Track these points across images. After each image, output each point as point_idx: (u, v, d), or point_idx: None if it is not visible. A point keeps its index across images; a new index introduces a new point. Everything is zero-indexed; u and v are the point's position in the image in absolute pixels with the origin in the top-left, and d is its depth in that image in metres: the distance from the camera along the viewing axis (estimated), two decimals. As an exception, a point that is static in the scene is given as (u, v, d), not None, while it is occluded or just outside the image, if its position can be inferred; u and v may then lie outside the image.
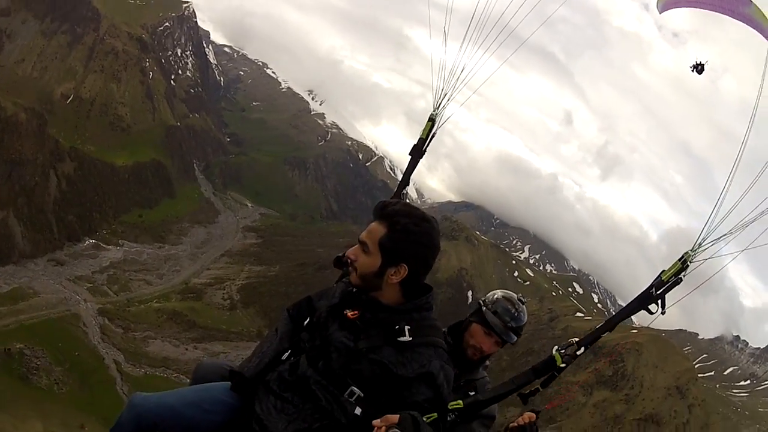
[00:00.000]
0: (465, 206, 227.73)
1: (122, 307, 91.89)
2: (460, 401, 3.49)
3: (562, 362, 3.70)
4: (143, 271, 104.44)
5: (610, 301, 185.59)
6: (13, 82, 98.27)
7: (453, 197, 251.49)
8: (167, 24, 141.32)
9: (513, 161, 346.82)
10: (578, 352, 3.73)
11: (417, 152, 4.53)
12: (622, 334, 78.07)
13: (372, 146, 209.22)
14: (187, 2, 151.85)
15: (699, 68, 7.71)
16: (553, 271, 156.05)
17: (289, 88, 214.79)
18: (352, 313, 2.90)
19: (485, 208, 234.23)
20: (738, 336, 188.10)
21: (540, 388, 3.91)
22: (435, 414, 2.80)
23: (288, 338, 3.26)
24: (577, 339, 3.82)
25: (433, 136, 4.54)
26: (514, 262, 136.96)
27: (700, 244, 3.73)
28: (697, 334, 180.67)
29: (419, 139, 4.53)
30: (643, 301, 3.79)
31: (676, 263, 3.73)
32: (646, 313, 3.76)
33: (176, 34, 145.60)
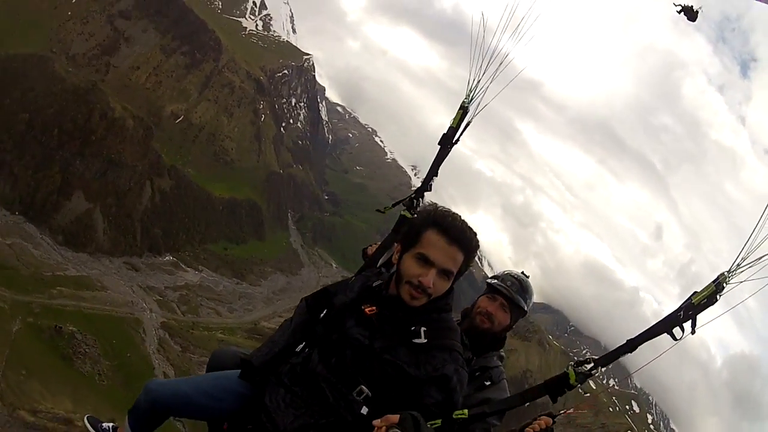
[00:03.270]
0: (543, 308, 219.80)
1: (186, 328, 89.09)
2: (466, 411, 3.21)
3: (576, 380, 3.43)
4: (215, 301, 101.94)
5: (663, 423, 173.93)
6: (125, 86, 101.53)
7: (534, 297, 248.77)
8: (285, 72, 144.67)
9: (599, 269, 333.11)
10: (593, 371, 3.48)
11: (447, 142, 4.22)
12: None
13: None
14: (308, 55, 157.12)
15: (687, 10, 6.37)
16: (615, 387, 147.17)
17: (394, 159, 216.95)
18: (369, 309, 2.91)
19: (563, 312, 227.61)
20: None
21: (566, 390, 3.57)
22: (439, 421, 2.78)
23: (302, 329, 3.26)
24: (595, 357, 3.55)
25: (467, 126, 4.20)
26: None
27: (738, 265, 3.33)
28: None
29: (449, 128, 4.23)
30: (667, 325, 3.43)
31: (709, 285, 3.38)
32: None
33: (293, 84, 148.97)
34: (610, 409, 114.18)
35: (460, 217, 2.86)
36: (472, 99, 4.19)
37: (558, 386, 3.47)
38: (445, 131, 4.22)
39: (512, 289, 4.26)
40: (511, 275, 4.40)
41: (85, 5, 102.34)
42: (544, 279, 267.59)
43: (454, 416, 3.00)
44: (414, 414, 2.38)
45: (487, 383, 3.99)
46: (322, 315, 3.12)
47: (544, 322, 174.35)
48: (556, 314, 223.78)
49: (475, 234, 2.84)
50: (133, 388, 71.31)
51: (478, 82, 4.15)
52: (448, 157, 4.20)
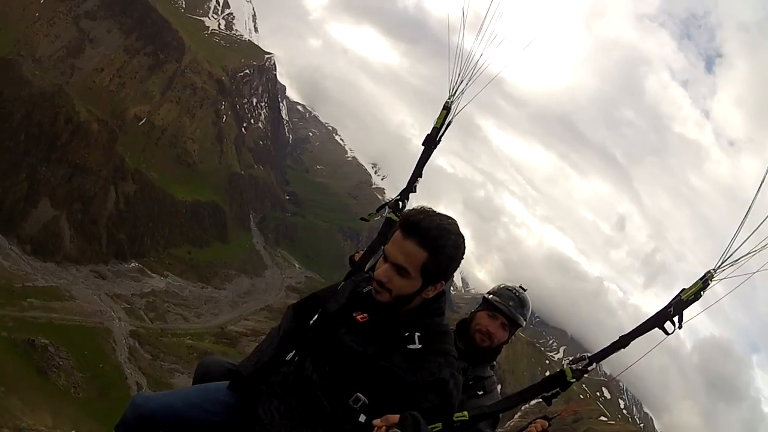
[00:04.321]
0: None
1: (155, 335, 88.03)
2: (466, 413, 3.31)
3: (572, 377, 3.57)
4: (182, 306, 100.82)
5: (636, 407, 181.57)
6: (89, 89, 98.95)
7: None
8: (247, 71, 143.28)
9: (562, 261, 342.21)
10: (589, 368, 3.64)
11: (431, 142, 4.25)
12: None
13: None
14: (270, 54, 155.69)
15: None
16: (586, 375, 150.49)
17: (354, 157, 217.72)
18: (361, 316, 2.85)
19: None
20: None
21: (560, 390, 3.64)
22: (439, 425, 2.79)
23: (290, 337, 3.17)
24: (589, 354, 3.68)
25: (448, 125, 4.24)
26: (547, 362, 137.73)
27: (723, 262, 3.49)
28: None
29: (433, 128, 4.25)
30: (659, 320, 3.62)
31: (697, 282, 3.56)
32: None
33: (254, 83, 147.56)
34: (581, 396, 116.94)
35: (431, 214, 2.76)
36: (454, 98, 4.27)
37: (556, 384, 3.60)
38: (429, 132, 4.28)
39: (513, 308, 4.22)
40: (508, 290, 4.33)
41: (51, 6, 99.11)
42: (508, 272, 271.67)
43: (454, 418, 3.06)
44: (414, 414, 2.39)
45: (480, 393, 4.08)
46: (312, 321, 3.10)
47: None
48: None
49: (444, 230, 2.70)
50: (109, 398, 70.45)
51: (461, 82, 4.23)
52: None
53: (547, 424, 3.76)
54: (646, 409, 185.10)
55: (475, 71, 4.21)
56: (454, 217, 2.81)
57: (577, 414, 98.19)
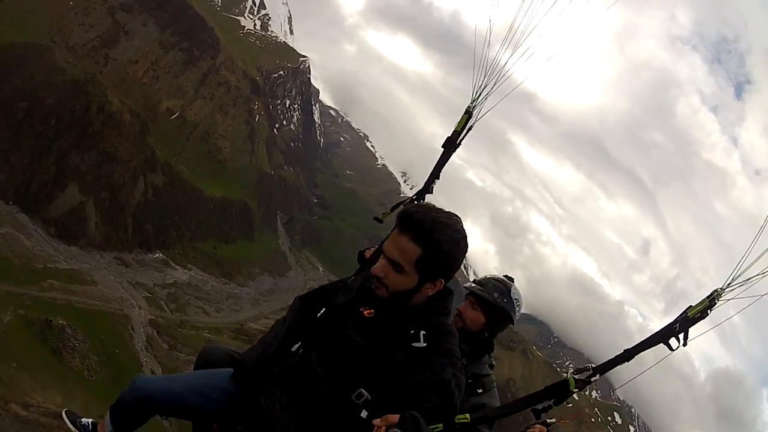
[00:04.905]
0: (528, 319, 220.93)
1: (174, 326, 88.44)
2: (468, 415, 3.39)
3: (575, 386, 3.56)
4: (203, 300, 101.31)
5: None
6: (122, 80, 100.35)
7: (521, 301, 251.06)
8: (281, 72, 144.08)
9: (585, 282, 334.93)
10: (592, 378, 3.64)
11: (450, 145, 4.29)
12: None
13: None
14: (305, 57, 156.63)
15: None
16: (598, 398, 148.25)
17: (384, 165, 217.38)
18: (368, 311, 2.84)
19: (547, 324, 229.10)
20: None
21: (552, 405, 3.70)
22: (441, 425, 2.77)
23: (296, 329, 3.15)
24: (593, 365, 3.68)
25: (469, 130, 4.29)
26: None
27: (730, 283, 3.53)
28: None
29: (453, 131, 4.30)
30: (664, 336, 3.63)
31: (704, 300, 3.58)
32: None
33: (288, 85, 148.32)
34: (593, 420, 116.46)
35: (429, 209, 2.72)
36: (476, 103, 4.24)
37: (559, 392, 3.56)
38: (449, 135, 4.26)
39: (484, 288, 4.25)
40: (488, 277, 4.41)
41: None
42: (530, 290, 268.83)
43: (456, 420, 3.01)
44: (414, 414, 2.37)
45: (480, 390, 4.05)
46: (319, 314, 3.05)
47: (528, 333, 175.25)
48: (541, 325, 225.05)
49: (439, 224, 2.63)
50: (121, 384, 69.29)
51: (484, 87, 4.20)
52: (441, 157, 4.25)
53: (546, 430, 3.72)
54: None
55: (499, 78, 4.21)
56: (458, 215, 2.74)
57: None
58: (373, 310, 2.80)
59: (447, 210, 2.74)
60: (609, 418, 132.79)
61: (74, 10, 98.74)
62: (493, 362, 4.40)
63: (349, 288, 3.05)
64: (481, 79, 4.19)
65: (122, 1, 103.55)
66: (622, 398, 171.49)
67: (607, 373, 3.67)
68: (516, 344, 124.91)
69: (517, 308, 4.35)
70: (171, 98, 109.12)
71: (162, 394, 2.98)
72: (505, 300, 4.26)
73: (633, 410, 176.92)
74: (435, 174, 4.24)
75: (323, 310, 3.03)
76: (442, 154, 4.26)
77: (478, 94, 4.23)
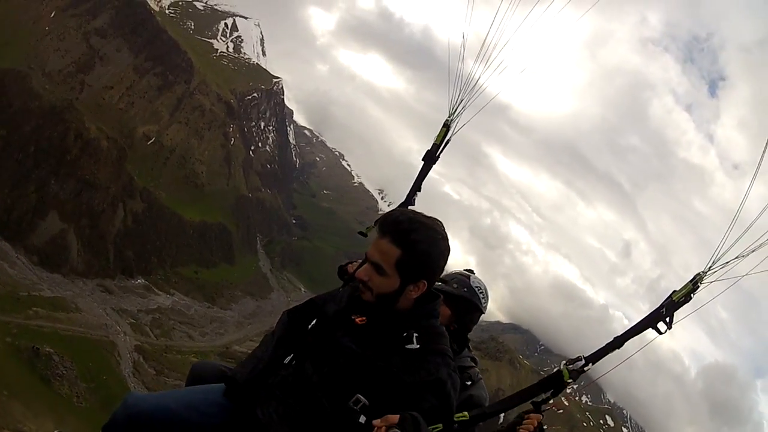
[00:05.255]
0: (513, 328, 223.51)
1: (160, 351, 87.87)
2: (466, 413, 3.44)
3: (569, 377, 3.61)
4: (187, 324, 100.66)
5: None
6: (98, 106, 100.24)
7: (502, 318, 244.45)
8: (255, 95, 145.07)
9: (568, 289, 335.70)
10: (585, 368, 3.66)
11: (430, 158, 4.39)
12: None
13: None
14: (278, 79, 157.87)
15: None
16: (588, 403, 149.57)
17: (361, 183, 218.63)
18: (359, 318, 2.84)
19: (532, 332, 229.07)
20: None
21: (546, 400, 3.73)
22: (440, 425, 2.75)
23: (286, 342, 3.12)
24: (585, 355, 3.72)
25: (447, 143, 4.38)
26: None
27: (711, 266, 3.61)
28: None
29: (433, 144, 4.39)
30: (652, 321, 3.69)
31: (687, 284, 3.65)
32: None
33: (262, 107, 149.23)
34: (584, 424, 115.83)
35: (406, 212, 2.83)
36: (453, 117, 4.30)
37: (553, 383, 3.65)
38: (429, 148, 4.32)
39: (445, 283, 4.22)
40: (448, 273, 4.28)
41: (62, 21, 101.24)
42: (513, 299, 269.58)
43: (455, 419, 3.05)
44: (414, 414, 2.39)
45: (468, 383, 4.07)
46: (311, 326, 3.02)
47: (514, 342, 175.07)
48: (526, 334, 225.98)
49: (416, 224, 2.71)
50: (111, 410, 68.42)
51: (460, 102, 4.27)
52: (422, 170, 4.35)
53: (541, 416, 3.70)
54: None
55: (474, 92, 4.31)
56: (440, 219, 2.82)
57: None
58: (364, 318, 2.81)
59: (427, 215, 2.83)
60: (601, 422, 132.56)
61: (50, 35, 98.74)
62: (476, 357, 4.39)
63: (339, 298, 3.06)
64: (457, 93, 4.28)
65: (97, 26, 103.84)
66: (612, 401, 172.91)
67: (599, 378, 3.81)
68: (503, 354, 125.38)
69: (480, 295, 4.29)
70: (147, 123, 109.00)
71: (155, 411, 2.86)
72: (465, 289, 4.22)
73: (625, 412, 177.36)
74: (416, 186, 4.31)
75: (314, 321, 3.03)
76: (422, 167, 4.34)
77: (454, 109, 4.31)
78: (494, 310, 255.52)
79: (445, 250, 2.77)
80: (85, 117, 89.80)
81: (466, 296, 4.19)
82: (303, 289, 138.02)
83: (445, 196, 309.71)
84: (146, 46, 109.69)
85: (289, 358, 2.99)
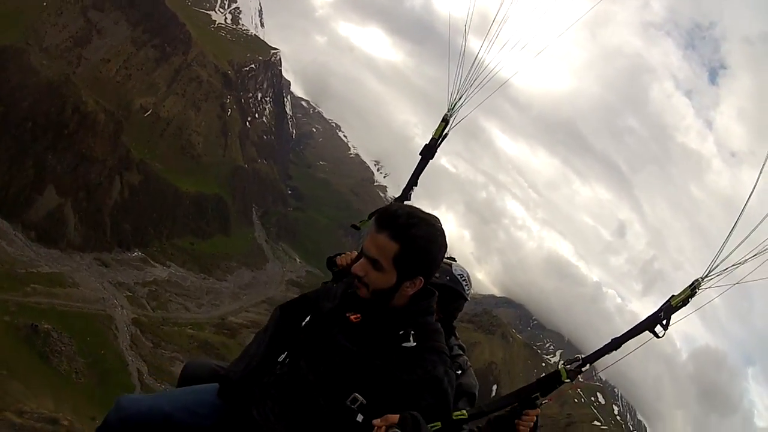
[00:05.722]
0: (506, 302, 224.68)
1: (156, 324, 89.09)
2: (465, 411, 3.38)
3: (567, 377, 3.64)
4: (184, 296, 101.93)
5: (630, 415, 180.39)
6: (96, 79, 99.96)
7: (496, 292, 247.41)
8: (253, 66, 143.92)
9: (561, 265, 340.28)
10: (583, 368, 3.71)
11: (428, 152, 4.32)
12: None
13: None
14: (276, 50, 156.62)
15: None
16: (580, 379, 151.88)
17: (357, 154, 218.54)
18: (354, 316, 2.81)
19: (525, 307, 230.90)
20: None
21: (558, 386, 3.75)
22: (439, 423, 2.74)
23: (279, 339, 3.10)
24: (583, 355, 3.74)
25: (445, 137, 4.35)
26: (543, 364, 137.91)
27: (710, 272, 3.62)
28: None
29: (431, 138, 4.35)
30: (651, 324, 3.71)
31: (686, 289, 3.68)
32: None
33: (259, 78, 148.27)
34: (575, 401, 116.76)
35: (405, 207, 2.79)
36: (453, 111, 4.32)
37: (551, 383, 3.70)
38: (427, 142, 4.31)
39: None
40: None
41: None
42: (507, 275, 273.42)
43: (453, 417, 3.09)
44: (414, 414, 2.39)
45: (458, 372, 4.09)
46: (304, 323, 3.04)
47: (506, 316, 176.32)
48: (519, 309, 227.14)
49: (415, 220, 2.69)
50: (109, 384, 71.63)
51: (460, 96, 4.28)
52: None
53: (539, 411, 3.75)
54: (639, 417, 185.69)
55: (473, 89, 4.31)
56: (437, 215, 2.82)
57: (570, 417, 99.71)
58: (359, 315, 2.81)
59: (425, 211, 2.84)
60: (592, 399, 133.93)
61: (47, 10, 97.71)
62: (464, 345, 4.46)
63: (333, 294, 3.05)
64: (456, 89, 4.31)
65: (94, 0, 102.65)
66: (604, 379, 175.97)
67: (603, 370, 3.90)
68: (495, 328, 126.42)
69: (464, 283, 4.32)
70: (144, 95, 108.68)
71: (148, 413, 2.86)
72: (448, 278, 4.23)
73: (616, 390, 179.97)
74: (413, 181, 4.31)
75: (308, 318, 3.04)
76: (420, 161, 4.33)
77: (453, 103, 4.32)
78: (488, 284, 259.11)
79: (443, 247, 2.78)
80: (83, 91, 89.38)
81: (450, 285, 4.22)
82: (298, 260, 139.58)
83: (442, 169, 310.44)
84: (144, 19, 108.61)
85: (284, 356, 3.01)
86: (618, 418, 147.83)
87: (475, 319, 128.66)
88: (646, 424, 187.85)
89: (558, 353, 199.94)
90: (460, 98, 4.32)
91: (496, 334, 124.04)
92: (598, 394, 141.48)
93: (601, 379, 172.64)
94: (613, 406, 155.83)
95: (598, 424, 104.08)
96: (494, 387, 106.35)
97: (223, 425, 2.91)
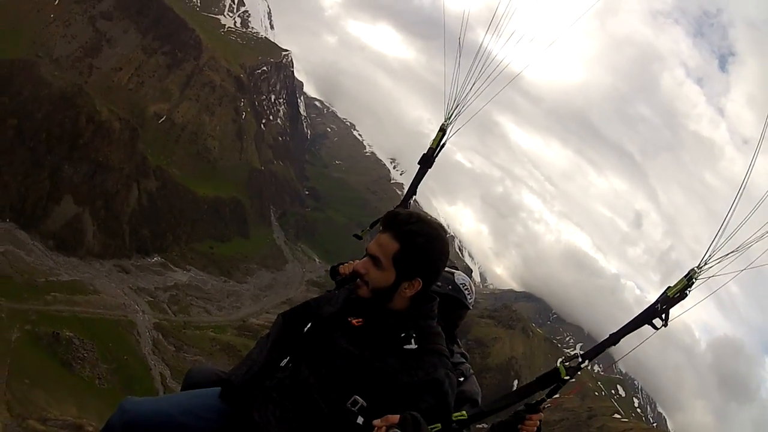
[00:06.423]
0: (526, 297, 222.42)
1: (178, 328, 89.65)
2: (465, 412, 3.40)
3: (566, 374, 3.63)
4: (204, 299, 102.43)
5: (650, 407, 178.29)
6: (108, 88, 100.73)
7: (515, 286, 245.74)
8: (265, 68, 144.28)
9: (580, 258, 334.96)
10: (582, 365, 3.71)
11: (426, 162, 4.43)
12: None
13: (444, 224, 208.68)
14: (287, 51, 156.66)
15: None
16: (600, 372, 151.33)
17: (372, 153, 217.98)
18: (356, 320, 2.88)
19: (545, 301, 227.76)
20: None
21: (546, 398, 3.83)
22: (439, 425, 2.78)
23: (281, 344, 3.17)
24: (581, 352, 3.75)
25: (442, 147, 4.43)
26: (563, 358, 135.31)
27: (706, 261, 3.60)
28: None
29: (429, 148, 4.43)
30: (648, 317, 3.68)
31: (681, 280, 3.64)
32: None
33: (272, 80, 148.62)
34: (596, 394, 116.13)
35: (410, 211, 2.90)
36: (450, 121, 4.36)
37: (550, 381, 3.70)
38: (425, 152, 4.37)
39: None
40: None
41: (66, 7, 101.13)
42: (526, 269, 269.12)
43: (453, 418, 3.08)
44: (414, 414, 2.41)
45: (461, 379, 4.11)
46: (306, 329, 3.08)
47: (526, 310, 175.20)
48: (539, 302, 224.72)
49: (417, 221, 2.80)
50: (133, 389, 72.13)
51: (456, 106, 4.31)
52: (417, 174, 4.46)
53: (542, 416, 3.76)
54: (659, 409, 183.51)
55: (468, 99, 4.37)
56: (441, 224, 2.91)
57: (592, 411, 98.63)
58: (361, 319, 2.86)
59: (430, 216, 2.94)
60: (612, 391, 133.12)
61: (56, 22, 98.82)
62: (466, 353, 4.50)
63: (335, 300, 3.11)
64: (453, 99, 4.33)
65: (102, 10, 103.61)
66: (624, 371, 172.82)
67: (611, 348, 3.83)
68: (516, 322, 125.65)
69: (465, 292, 4.37)
70: (157, 102, 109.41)
71: (152, 416, 2.88)
72: (450, 287, 4.29)
73: (636, 382, 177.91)
74: (412, 190, 4.41)
75: (310, 324, 3.08)
76: (418, 171, 4.39)
77: (450, 113, 4.36)
78: (507, 279, 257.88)
79: (444, 253, 2.85)
80: (96, 100, 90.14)
81: (452, 294, 4.27)
82: (317, 260, 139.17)
83: (457, 164, 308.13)
84: (153, 26, 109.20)
85: (286, 360, 3.05)
86: (638, 410, 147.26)
87: (496, 314, 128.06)
88: (666, 416, 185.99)
89: (578, 346, 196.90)
90: (456, 107, 4.37)
91: (517, 329, 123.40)
92: (618, 386, 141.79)
93: (621, 371, 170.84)
94: (634, 398, 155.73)
95: (619, 416, 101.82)
96: (515, 382, 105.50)
97: (225, 428, 2.94)
